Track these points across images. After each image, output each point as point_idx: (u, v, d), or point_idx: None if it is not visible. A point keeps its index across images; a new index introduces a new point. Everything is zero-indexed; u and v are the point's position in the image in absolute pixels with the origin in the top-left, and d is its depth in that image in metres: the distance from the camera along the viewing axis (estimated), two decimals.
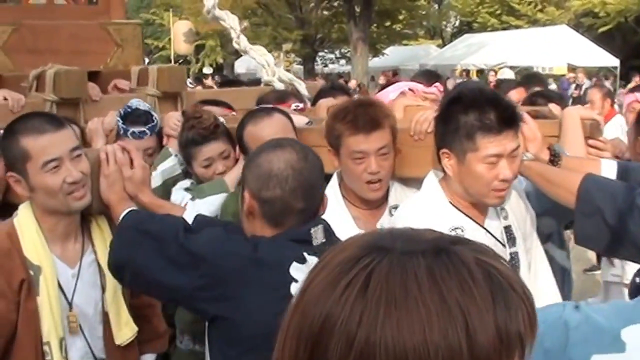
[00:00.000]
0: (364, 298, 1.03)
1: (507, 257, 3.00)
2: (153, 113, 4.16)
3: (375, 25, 32.24)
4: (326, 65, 37.56)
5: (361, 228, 3.33)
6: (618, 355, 1.65)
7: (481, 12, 38.75)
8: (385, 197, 3.43)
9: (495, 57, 29.62)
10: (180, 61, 28.91)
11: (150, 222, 2.79)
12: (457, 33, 44.56)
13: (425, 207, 2.99)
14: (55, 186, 2.81)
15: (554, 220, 3.51)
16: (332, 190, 3.42)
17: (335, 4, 31.08)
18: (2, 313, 2.79)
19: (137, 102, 4.16)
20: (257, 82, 7.27)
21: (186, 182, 3.77)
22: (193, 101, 4.88)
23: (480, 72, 31.40)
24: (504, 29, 36.43)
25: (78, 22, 5.44)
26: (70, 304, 2.91)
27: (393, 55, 37.41)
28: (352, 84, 24.12)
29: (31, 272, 2.82)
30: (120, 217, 2.86)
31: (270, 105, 4.09)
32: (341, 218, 3.34)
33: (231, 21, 5.75)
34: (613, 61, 30.09)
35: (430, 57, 36.75)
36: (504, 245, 3.02)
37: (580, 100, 19.18)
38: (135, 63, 5.41)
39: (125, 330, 3.04)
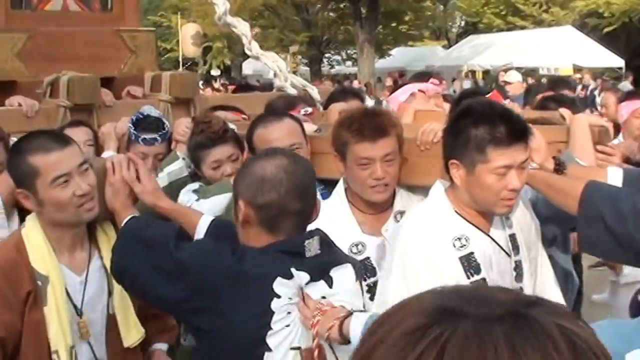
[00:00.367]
0: None
1: (512, 266, 3.03)
2: (164, 120, 4.23)
3: (381, 26, 32.21)
4: (332, 67, 37.47)
5: (366, 233, 3.40)
6: None
7: (486, 13, 38.66)
8: (390, 203, 3.46)
9: (501, 58, 29.51)
10: (188, 64, 28.98)
11: (146, 230, 2.85)
12: (463, 34, 44.45)
13: (430, 215, 3.02)
14: (66, 200, 2.86)
15: (559, 225, 3.54)
16: (338, 196, 3.48)
17: (342, 5, 31.03)
18: (9, 323, 2.83)
19: (148, 109, 4.24)
20: (270, 86, 7.33)
21: (195, 185, 3.81)
22: (206, 106, 4.94)
23: (486, 73, 31.39)
24: (509, 29, 36.35)
25: (92, 28, 5.47)
26: (79, 311, 2.96)
27: (399, 56, 37.34)
28: (355, 84, 24.18)
29: (39, 283, 2.86)
30: (122, 224, 2.94)
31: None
32: (346, 222, 3.41)
33: (242, 27, 5.79)
34: (618, 61, 30.03)
35: (436, 58, 36.66)
36: (508, 254, 3.04)
37: (586, 100, 19.22)
38: (150, 69, 5.45)
39: (133, 333, 3.09)
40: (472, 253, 2.94)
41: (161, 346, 3.37)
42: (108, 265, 2.98)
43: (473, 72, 30.79)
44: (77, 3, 5.53)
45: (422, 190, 3.26)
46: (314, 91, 5.71)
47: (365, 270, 3.33)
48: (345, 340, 2.55)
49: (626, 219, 2.79)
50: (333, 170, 3.52)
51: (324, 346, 2.60)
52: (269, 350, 2.55)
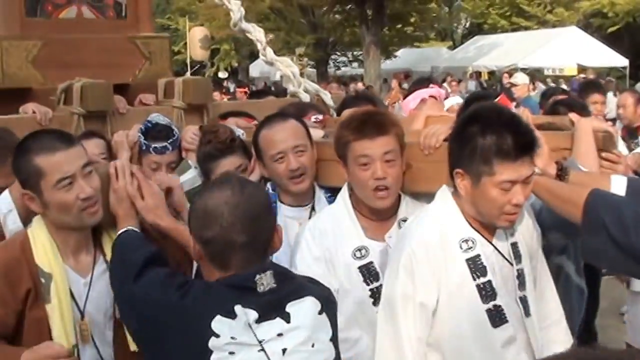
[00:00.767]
0: None
1: (515, 274, 3.05)
2: (173, 127, 4.24)
3: (386, 28, 32.15)
4: (339, 68, 37.43)
5: (370, 238, 3.43)
6: None
7: (491, 14, 38.64)
8: (395, 210, 3.49)
9: (506, 59, 29.55)
10: (196, 66, 29.02)
11: (126, 250, 2.86)
12: (468, 35, 44.44)
13: (437, 217, 3.04)
14: (69, 202, 2.87)
15: (564, 234, 3.47)
16: (343, 200, 3.51)
17: (348, 8, 30.98)
18: (1, 319, 2.84)
19: (156, 117, 4.25)
20: (283, 92, 7.35)
21: None
22: (219, 112, 4.98)
23: (491, 73, 31.40)
24: (514, 30, 36.35)
25: (107, 36, 5.50)
26: (82, 312, 2.95)
27: (405, 57, 37.30)
28: (359, 86, 24.20)
29: (42, 280, 2.86)
30: (116, 235, 2.97)
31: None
32: (350, 227, 3.44)
33: (257, 34, 5.83)
34: (622, 61, 30.03)
35: (441, 59, 36.69)
36: (511, 263, 3.05)
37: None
38: (165, 75, 5.49)
39: None
40: (478, 255, 2.97)
41: None
42: None
43: (479, 73, 30.81)
44: (91, 10, 5.57)
45: (427, 197, 3.27)
46: (326, 96, 5.75)
47: (368, 275, 3.38)
48: None
49: (629, 228, 2.78)
50: (340, 178, 3.55)
51: None
52: None
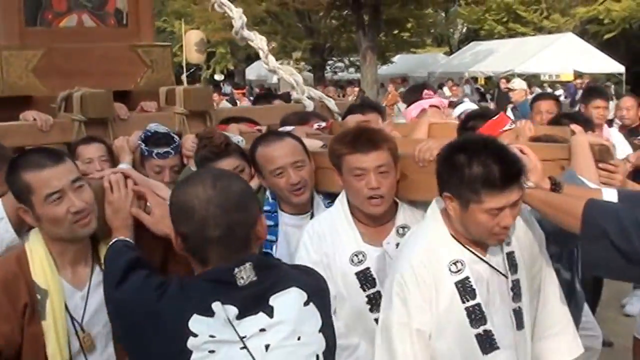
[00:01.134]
0: None
1: (509, 286, 3.05)
2: (173, 135, 4.35)
3: (383, 33, 32.14)
4: (335, 73, 37.42)
5: (367, 243, 3.47)
6: None
7: (488, 20, 38.75)
8: (391, 216, 3.52)
9: (502, 65, 29.62)
10: (192, 69, 28.99)
11: (112, 260, 2.83)
12: (464, 40, 44.51)
13: (427, 241, 3.04)
14: (60, 216, 2.86)
15: (558, 243, 3.48)
16: (341, 205, 3.55)
17: (344, 13, 30.93)
18: (8, 335, 2.82)
19: (156, 126, 4.36)
20: (288, 95, 7.36)
21: None
22: (222, 118, 5.03)
23: (488, 79, 31.46)
24: (510, 36, 36.42)
25: (108, 44, 5.54)
26: (81, 325, 2.94)
27: (401, 63, 37.41)
28: (355, 89, 24.24)
29: (38, 296, 2.86)
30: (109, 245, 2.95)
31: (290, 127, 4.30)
32: (348, 231, 3.48)
33: (259, 42, 5.88)
34: (618, 67, 30.11)
35: (438, 64, 36.76)
36: (505, 276, 3.04)
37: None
38: (166, 83, 5.53)
39: None
40: (467, 278, 2.97)
41: None
42: None
43: (475, 79, 30.86)
44: (92, 19, 5.62)
45: (425, 205, 3.28)
46: (331, 103, 5.81)
47: (365, 281, 3.42)
48: None
49: (630, 233, 2.78)
50: (334, 184, 3.61)
51: None
52: None
